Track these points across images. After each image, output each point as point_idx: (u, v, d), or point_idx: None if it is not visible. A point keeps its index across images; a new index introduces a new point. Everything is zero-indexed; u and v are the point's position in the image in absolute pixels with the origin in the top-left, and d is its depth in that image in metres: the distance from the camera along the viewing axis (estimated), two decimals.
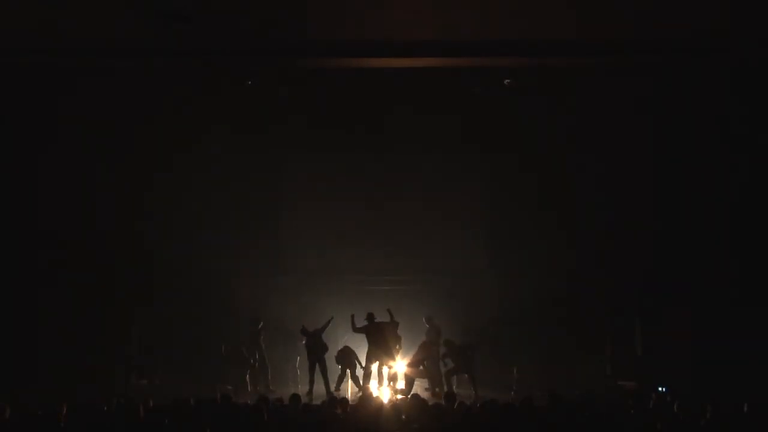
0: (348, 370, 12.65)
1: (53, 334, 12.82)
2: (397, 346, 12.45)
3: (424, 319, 13.20)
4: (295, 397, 8.58)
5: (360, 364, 12.54)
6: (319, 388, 12.49)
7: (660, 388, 11.35)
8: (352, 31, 11.06)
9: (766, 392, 9.99)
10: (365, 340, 12.47)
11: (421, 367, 12.49)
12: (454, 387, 12.44)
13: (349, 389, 12.71)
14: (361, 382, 12.45)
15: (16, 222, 13.20)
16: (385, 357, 12.33)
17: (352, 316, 12.53)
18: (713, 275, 12.90)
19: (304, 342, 12.79)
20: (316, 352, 12.62)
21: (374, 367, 12.55)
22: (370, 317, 12.50)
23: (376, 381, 12.72)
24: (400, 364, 12.42)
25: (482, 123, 14.05)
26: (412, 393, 11.02)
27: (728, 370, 11.77)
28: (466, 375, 12.60)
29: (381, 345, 12.28)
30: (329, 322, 12.82)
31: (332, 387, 12.54)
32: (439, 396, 11.49)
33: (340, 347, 12.83)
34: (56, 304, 13.07)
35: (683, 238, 13.23)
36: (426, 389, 12.56)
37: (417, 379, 12.56)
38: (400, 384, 12.38)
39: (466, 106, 13.66)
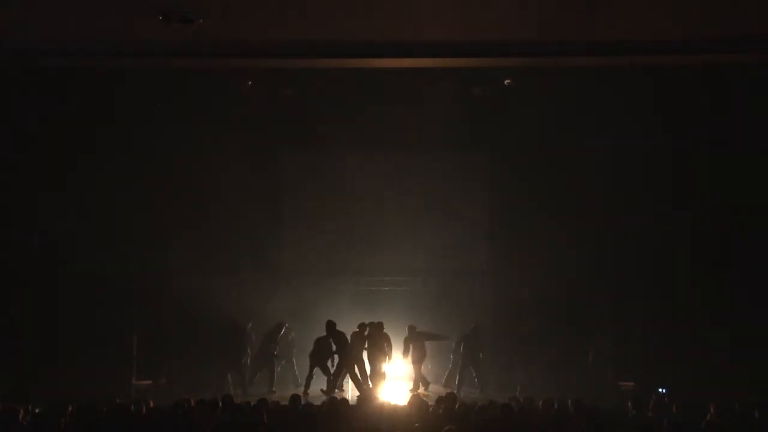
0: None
1: (54, 335, 12.79)
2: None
3: (407, 328, 13.17)
4: (295, 397, 8.60)
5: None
6: (317, 389, 12.43)
7: (660, 389, 11.36)
8: (351, 31, 11.06)
9: (766, 392, 10.04)
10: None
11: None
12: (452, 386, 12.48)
13: (350, 389, 12.72)
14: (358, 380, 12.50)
15: (15, 222, 13.17)
16: (385, 358, 12.43)
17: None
18: (714, 276, 12.90)
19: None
20: (319, 359, 12.60)
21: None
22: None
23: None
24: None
25: (483, 123, 14.05)
26: (412, 393, 11.06)
27: (728, 371, 11.79)
28: (473, 372, 12.70)
29: (381, 348, 12.40)
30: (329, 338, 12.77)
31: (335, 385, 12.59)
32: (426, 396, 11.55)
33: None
34: (56, 305, 13.05)
35: (684, 238, 13.21)
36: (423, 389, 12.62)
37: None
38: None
39: (466, 105, 13.66)
